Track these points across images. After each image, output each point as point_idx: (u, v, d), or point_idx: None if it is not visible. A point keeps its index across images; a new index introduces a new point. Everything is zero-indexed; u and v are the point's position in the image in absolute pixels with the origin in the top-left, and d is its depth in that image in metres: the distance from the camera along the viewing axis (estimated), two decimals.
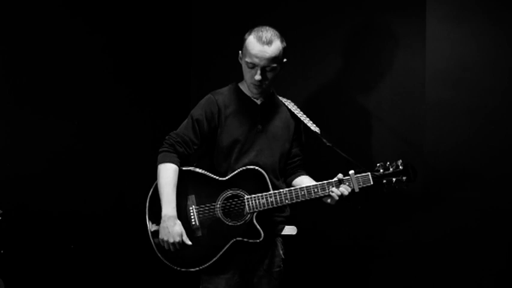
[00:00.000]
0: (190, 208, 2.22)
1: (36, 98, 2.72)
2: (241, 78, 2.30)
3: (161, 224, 2.17)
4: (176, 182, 2.21)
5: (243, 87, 2.33)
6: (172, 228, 2.15)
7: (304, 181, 2.35)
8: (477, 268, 2.69)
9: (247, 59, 2.19)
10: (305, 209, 3.04)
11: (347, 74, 3.02)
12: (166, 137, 2.28)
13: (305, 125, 2.37)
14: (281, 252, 2.37)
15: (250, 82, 2.24)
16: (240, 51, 2.26)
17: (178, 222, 2.18)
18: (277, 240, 2.37)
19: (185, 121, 2.29)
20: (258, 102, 2.32)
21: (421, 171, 2.76)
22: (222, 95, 2.31)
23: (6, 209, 2.36)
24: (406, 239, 2.83)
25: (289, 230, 2.37)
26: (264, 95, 2.31)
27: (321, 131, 2.34)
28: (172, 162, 2.22)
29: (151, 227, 2.23)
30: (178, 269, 2.20)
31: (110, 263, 2.99)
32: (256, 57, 2.17)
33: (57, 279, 2.76)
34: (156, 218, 2.21)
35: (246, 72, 2.23)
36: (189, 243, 2.17)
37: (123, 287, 3.08)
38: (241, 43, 2.24)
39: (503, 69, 2.65)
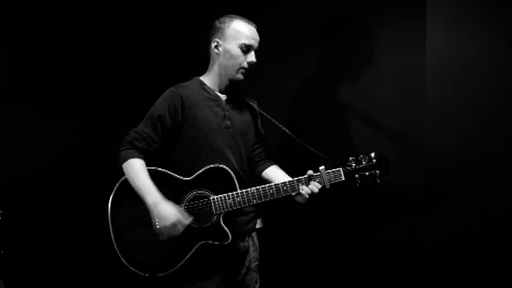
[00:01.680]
0: None
1: (36, 98, 2.72)
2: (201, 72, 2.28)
3: (153, 215, 2.02)
4: (147, 172, 2.08)
5: (208, 81, 2.25)
6: (166, 211, 2.00)
7: (275, 172, 2.29)
8: (477, 268, 2.69)
9: (243, 41, 2.15)
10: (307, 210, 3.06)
11: (347, 74, 3.01)
12: (125, 136, 2.16)
13: (273, 122, 2.31)
14: (257, 246, 2.35)
15: (240, 67, 2.18)
16: (217, 39, 2.20)
17: (169, 203, 2.03)
18: (254, 235, 2.34)
19: (145, 117, 2.17)
20: (223, 97, 2.25)
21: (421, 171, 2.78)
22: (186, 88, 2.20)
23: (6, 209, 2.36)
24: (405, 238, 2.83)
25: (259, 223, 2.36)
26: (229, 89, 2.26)
27: (301, 133, 2.30)
28: (135, 157, 2.11)
29: (114, 231, 2.12)
30: (143, 274, 2.08)
31: (110, 263, 2.99)
32: (253, 38, 2.18)
33: (57, 279, 2.76)
34: (119, 221, 2.12)
35: (235, 57, 2.16)
36: (191, 218, 2.03)
37: (123, 287, 3.08)
38: (211, 32, 2.22)
39: (503, 69, 2.65)
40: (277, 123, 2.31)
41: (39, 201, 2.69)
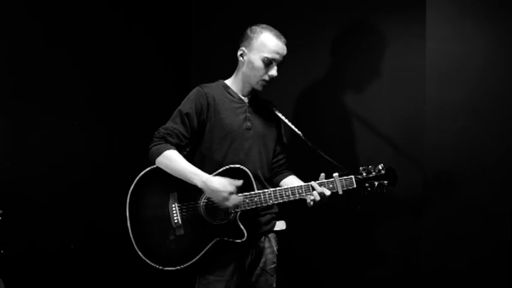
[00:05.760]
0: (173, 206, 2.18)
1: (36, 98, 2.71)
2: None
3: (207, 191, 2.11)
4: (185, 159, 2.16)
5: (232, 85, 2.32)
6: (216, 185, 2.07)
7: (293, 182, 2.34)
8: (477, 268, 2.69)
9: (267, 55, 2.21)
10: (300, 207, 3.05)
11: (347, 74, 3.02)
12: (155, 133, 2.23)
13: (288, 125, 2.37)
14: (275, 248, 2.37)
15: (260, 79, 2.24)
16: (243, 48, 2.27)
17: (216, 176, 2.12)
18: (271, 237, 2.36)
19: (173, 115, 2.24)
20: (246, 100, 2.32)
21: (420, 171, 2.78)
22: (211, 89, 2.28)
23: (6, 209, 2.35)
24: (405, 239, 2.83)
25: (280, 225, 2.38)
26: (252, 94, 2.33)
27: (303, 134, 2.34)
28: (170, 149, 2.17)
29: (131, 225, 2.19)
30: (159, 267, 2.16)
31: (110, 263, 2.99)
32: (277, 53, 2.22)
33: (57, 279, 2.76)
34: (136, 214, 2.19)
35: (257, 68, 2.23)
36: (240, 182, 2.11)
37: (123, 287, 3.07)
38: (241, 39, 2.28)
39: (503, 69, 2.65)
40: (293, 127, 2.35)
41: (39, 201, 2.69)
